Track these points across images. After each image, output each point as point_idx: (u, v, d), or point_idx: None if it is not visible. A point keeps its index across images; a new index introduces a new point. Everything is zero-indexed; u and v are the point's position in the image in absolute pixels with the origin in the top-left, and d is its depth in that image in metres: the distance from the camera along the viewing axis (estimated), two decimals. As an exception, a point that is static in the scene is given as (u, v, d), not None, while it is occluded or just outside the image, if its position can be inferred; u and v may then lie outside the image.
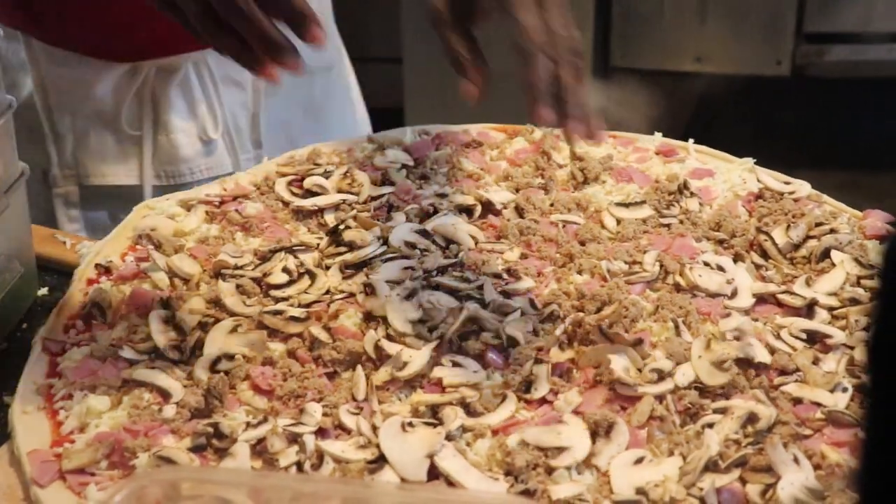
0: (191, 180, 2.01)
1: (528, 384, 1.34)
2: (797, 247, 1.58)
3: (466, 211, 1.67)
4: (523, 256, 1.58)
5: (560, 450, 1.25)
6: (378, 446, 1.25)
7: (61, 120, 1.94)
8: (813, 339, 1.41)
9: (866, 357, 0.68)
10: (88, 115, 1.95)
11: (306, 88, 2.18)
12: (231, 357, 1.38)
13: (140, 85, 1.95)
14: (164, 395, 1.33)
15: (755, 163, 1.80)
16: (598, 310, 1.43)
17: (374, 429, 1.28)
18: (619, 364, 1.34)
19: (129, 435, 1.27)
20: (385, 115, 2.57)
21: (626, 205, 1.68)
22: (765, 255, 1.58)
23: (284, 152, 1.94)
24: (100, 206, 2.00)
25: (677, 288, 1.51)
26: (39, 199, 1.94)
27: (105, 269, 1.56)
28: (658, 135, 1.88)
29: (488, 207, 1.68)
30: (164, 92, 1.97)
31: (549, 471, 1.23)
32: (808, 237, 1.60)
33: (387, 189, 1.72)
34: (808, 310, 1.47)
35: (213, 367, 1.36)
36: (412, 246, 1.58)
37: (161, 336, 1.41)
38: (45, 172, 1.96)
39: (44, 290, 1.64)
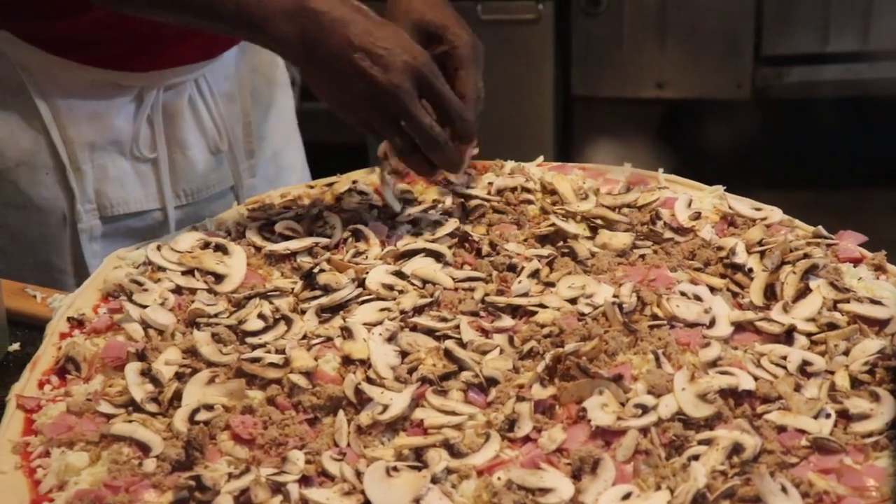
0: (206, 196, 2.10)
1: (510, 423, 1.33)
2: (773, 273, 1.58)
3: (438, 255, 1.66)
4: (500, 293, 1.57)
5: (546, 490, 1.24)
6: (363, 492, 1.24)
7: (81, 153, 1.96)
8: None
9: None
10: (105, 146, 1.98)
11: (281, 100, 2.26)
12: (210, 407, 1.36)
13: (152, 106, 1.99)
14: (144, 448, 1.31)
15: (725, 190, 1.80)
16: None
17: (359, 474, 1.26)
18: (595, 408, 1.33)
19: (110, 491, 1.25)
20: (347, 152, 2.58)
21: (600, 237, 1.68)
22: (740, 283, 1.58)
23: (273, 162, 2.08)
24: (122, 238, 2.01)
25: (655, 319, 1.50)
26: (62, 243, 1.99)
27: (78, 323, 1.54)
28: (628, 165, 1.88)
29: (465, 239, 1.69)
30: (175, 112, 2.03)
31: (538, 510, 1.22)
32: (782, 263, 1.60)
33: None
34: (787, 336, 1.47)
35: (192, 419, 1.35)
36: (389, 287, 1.57)
37: (138, 388, 1.39)
38: (64, 215, 1.98)
39: (15, 346, 1.62)
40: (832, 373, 1.41)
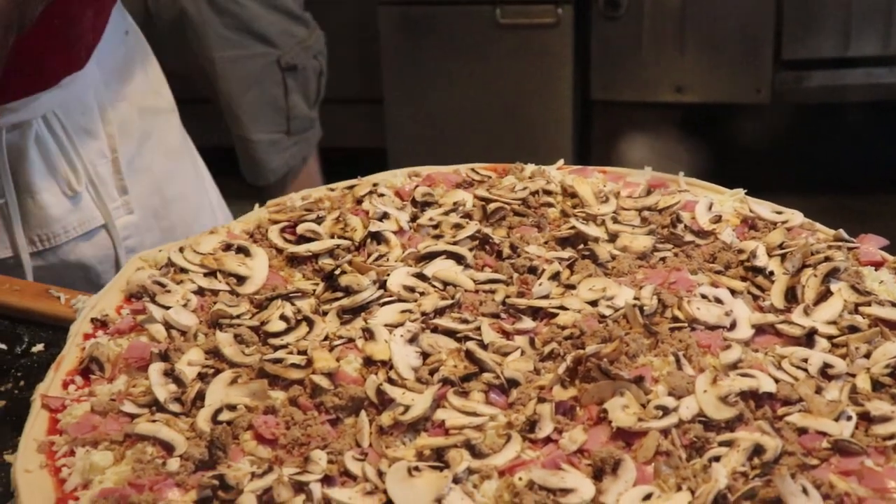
0: (65, 240, 2.00)
1: (531, 424, 1.34)
2: (794, 276, 1.59)
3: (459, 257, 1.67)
4: (520, 295, 1.58)
5: (567, 490, 1.25)
6: (385, 492, 1.25)
7: None
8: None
9: None
10: None
11: (161, 129, 2.18)
12: (233, 407, 1.37)
13: None
14: (168, 448, 1.32)
15: (745, 193, 1.81)
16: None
17: (381, 474, 1.27)
18: (616, 410, 1.33)
19: (134, 490, 1.26)
20: (367, 155, 2.58)
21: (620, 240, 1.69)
22: (760, 286, 1.58)
23: (156, 195, 1.98)
24: None
25: (676, 321, 1.51)
26: None
27: (101, 324, 1.55)
28: (648, 169, 1.88)
29: (486, 241, 1.69)
30: (21, 153, 1.92)
31: (559, 511, 1.23)
32: (803, 266, 1.60)
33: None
34: (808, 339, 1.47)
35: (215, 418, 1.35)
36: (410, 289, 1.57)
37: (161, 389, 1.40)
38: None
39: (39, 347, 1.63)
40: (853, 375, 1.41)
